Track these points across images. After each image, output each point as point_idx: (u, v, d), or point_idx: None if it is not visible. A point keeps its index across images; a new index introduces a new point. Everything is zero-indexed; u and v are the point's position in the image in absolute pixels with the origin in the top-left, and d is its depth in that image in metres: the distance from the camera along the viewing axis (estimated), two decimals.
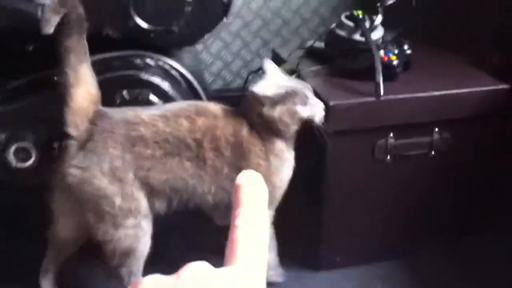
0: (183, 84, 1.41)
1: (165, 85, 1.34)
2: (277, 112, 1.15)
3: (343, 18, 1.47)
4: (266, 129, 1.17)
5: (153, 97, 1.33)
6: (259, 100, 1.14)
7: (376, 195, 1.47)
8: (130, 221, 1.14)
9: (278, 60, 1.65)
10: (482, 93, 1.42)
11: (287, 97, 1.16)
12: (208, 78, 2.08)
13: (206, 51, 2.03)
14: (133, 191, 1.14)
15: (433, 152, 1.45)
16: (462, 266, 1.48)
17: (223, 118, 1.16)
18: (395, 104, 1.37)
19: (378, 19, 1.44)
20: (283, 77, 1.22)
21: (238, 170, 1.10)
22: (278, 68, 1.22)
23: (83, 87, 1.11)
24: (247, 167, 1.16)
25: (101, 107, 1.15)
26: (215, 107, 1.18)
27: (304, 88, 1.21)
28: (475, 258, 1.50)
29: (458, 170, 1.48)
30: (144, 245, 1.16)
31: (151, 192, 1.17)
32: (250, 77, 1.98)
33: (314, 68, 1.50)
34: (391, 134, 1.40)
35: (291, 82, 1.22)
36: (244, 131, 1.17)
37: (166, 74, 1.38)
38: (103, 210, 1.12)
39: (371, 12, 1.46)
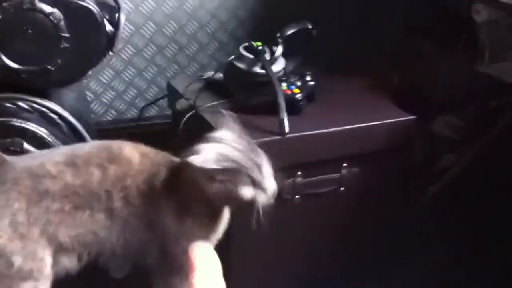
0: (64, 127, 1.23)
1: (42, 131, 1.17)
2: (213, 188, 0.96)
3: (241, 49, 1.36)
4: (192, 194, 0.99)
5: (28, 146, 1.15)
6: (193, 170, 0.95)
7: (286, 235, 1.37)
8: (28, 285, 0.97)
9: (174, 93, 1.51)
10: (390, 125, 1.37)
11: (229, 174, 0.95)
12: (99, 109, 1.90)
13: (96, 81, 1.85)
14: (37, 249, 0.96)
15: (342, 188, 1.38)
16: None
17: (138, 164, 1.00)
18: (301, 141, 1.28)
19: (279, 50, 1.35)
20: (236, 142, 0.98)
21: (148, 223, 0.98)
22: (234, 127, 1.00)
23: None
24: (156, 223, 1.01)
25: (1, 155, 0.97)
26: (130, 151, 1.01)
27: (257, 160, 0.99)
28: None
29: (369, 204, 1.42)
30: None
31: (59, 249, 0.99)
32: (145, 109, 1.85)
33: (213, 103, 1.38)
34: (299, 173, 1.31)
35: (241, 153, 0.97)
36: (158, 181, 1.00)
37: (42, 118, 1.20)
38: None
39: (270, 42, 1.36)
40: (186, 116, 1.36)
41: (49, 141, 1.18)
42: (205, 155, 0.94)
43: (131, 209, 1.01)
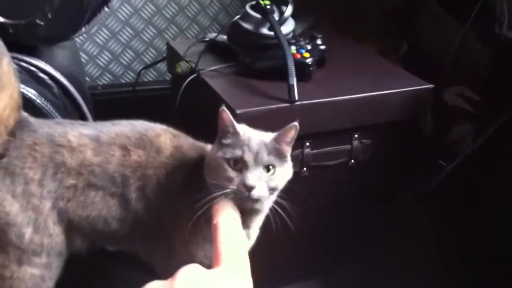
0: (55, 89, 1.14)
1: (30, 92, 1.07)
2: None
3: (248, 8, 1.26)
4: None
5: None
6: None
7: (291, 209, 1.29)
8: (39, 260, 0.90)
9: (174, 56, 1.41)
10: (406, 94, 1.27)
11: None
12: (94, 72, 1.80)
13: (90, 42, 1.75)
14: (48, 223, 0.90)
15: (353, 161, 1.29)
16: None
17: (167, 156, 0.90)
18: (311, 110, 1.19)
19: (288, 10, 1.25)
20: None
21: (160, 223, 0.90)
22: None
23: (5, 90, 0.83)
24: (168, 222, 0.92)
25: (24, 115, 0.89)
26: (165, 141, 0.91)
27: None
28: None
29: (380, 178, 1.34)
30: None
31: (70, 228, 0.92)
32: (142, 73, 1.75)
33: (216, 67, 1.28)
34: (307, 144, 1.22)
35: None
36: (180, 179, 0.89)
37: (31, 78, 1.10)
38: (9, 240, 0.87)
39: (279, 2, 1.26)
40: (187, 80, 1.26)
41: (40, 104, 1.08)
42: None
43: (146, 204, 0.91)
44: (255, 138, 0.82)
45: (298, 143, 1.21)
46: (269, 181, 0.81)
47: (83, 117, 1.21)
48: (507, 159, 1.37)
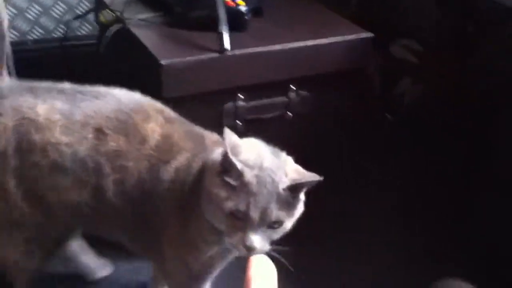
0: None
1: None
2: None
3: None
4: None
5: None
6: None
7: None
8: (18, 233, 0.86)
9: (101, 5, 1.32)
10: (345, 43, 1.23)
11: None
12: (24, 26, 1.69)
13: None
14: (17, 200, 0.82)
15: (290, 114, 1.24)
16: None
17: (152, 147, 0.79)
18: (244, 60, 1.13)
19: None
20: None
21: (145, 221, 0.82)
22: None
23: None
24: (155, 223, 0.83)
25: None
26: (153, 128, 0.80)
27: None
28: None
29: (320, 132, 1.30)
30: None
31: (44, 210, 0.84)
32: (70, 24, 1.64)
33: (144, 16, 1.20)
34: (241, 96, 1.17)
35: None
36: (167, 175, 0.79)
37: None
38: None
39: None
40: (112, 31, 1.18)
41: None
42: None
43: (126, 200, 0.80)
44: (266, 181, 0.68)
45: (231, 96, 1.15)
46: (272, 235, 0.72)
47: None
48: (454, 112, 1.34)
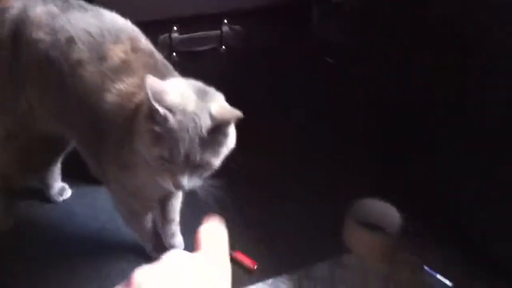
0: None
1: None
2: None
3: None
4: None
5: None
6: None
7: None
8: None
9: None
10: None
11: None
12: None
13: None
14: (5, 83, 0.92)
15: (223, 47, 1.29)
16: None
17: (107, 67, 0.84)
18: None
19: None
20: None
21: (94, 134, 0.88)
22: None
23: None
24: (98, 137, 0.89)
25: None
26: (117, 52, 0.84)
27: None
28: None
29: (253, 66, 1.35)
30: None
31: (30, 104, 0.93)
32: None
33: None
34: (175, 28, 1.20)
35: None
36: (112, 98, 0.84)
37: None
38: None
39: None
40: None
41: None
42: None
43: (81, 109, 0.86)
44: (189, 126, 0.72)
45: (165, 27, 1.18)
46: (202, 173, 0.77)
47: None
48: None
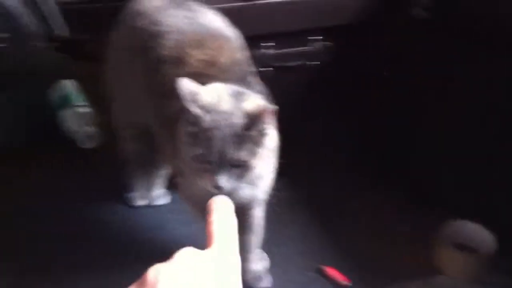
0: None
1: None
2: None
3: None
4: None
5: None
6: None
7: None
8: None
9: None
10: None
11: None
12: None
13: None
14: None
15: (312, 63, 1.30)
16: None
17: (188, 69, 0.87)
18: (265, 10, 1.19)
19: None
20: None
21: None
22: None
23: None
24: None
25: None
26: (196, 54, 0.88)
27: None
28: None
29: (339, 82, 1.35)
30: None
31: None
32: None
33: None
34: (262, 45, 1.23)
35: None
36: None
37: None
38: None
39: None
40: None
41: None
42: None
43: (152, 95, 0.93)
44: (222, 124, 0.72)
45: (254, 43, 1.21)
46: (241, 175, 0.75)
47: None
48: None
